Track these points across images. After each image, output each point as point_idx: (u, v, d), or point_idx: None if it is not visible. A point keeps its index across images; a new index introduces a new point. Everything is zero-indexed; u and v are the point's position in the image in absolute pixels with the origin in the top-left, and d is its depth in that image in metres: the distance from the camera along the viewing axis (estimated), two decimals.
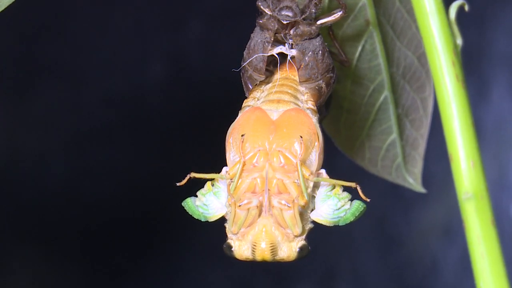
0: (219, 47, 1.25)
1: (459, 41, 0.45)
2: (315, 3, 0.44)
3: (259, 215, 0.41)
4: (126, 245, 1.27)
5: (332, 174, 0.43)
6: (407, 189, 0.60)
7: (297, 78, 0.44)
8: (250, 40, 0.44)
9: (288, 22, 0.43)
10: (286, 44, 0.44)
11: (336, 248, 1.32)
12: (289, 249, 0.41)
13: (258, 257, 0.40)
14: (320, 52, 0.44)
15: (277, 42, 0.44)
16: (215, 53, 1.26)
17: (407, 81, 0.55)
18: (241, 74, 0.45)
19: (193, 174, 0.42)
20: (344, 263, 1.34)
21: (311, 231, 0.42)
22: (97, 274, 1.28)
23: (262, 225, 0.40)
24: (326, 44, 0.44)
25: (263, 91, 0.45)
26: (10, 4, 0.42)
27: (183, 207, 0.43)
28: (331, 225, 0.42)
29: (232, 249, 0.41)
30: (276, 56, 0.44)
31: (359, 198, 0.42)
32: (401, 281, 1.35)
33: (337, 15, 0.45)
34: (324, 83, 0.44)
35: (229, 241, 0.41)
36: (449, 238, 1.34)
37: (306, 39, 0.44)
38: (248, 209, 0.40)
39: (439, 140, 0.49)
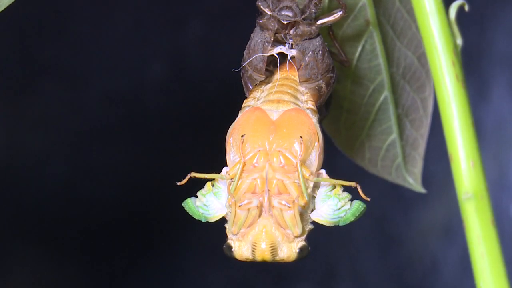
0: (219, 47, 1.25)
1: (459, 41, 0.45)
2: (315, 3, 0.44)
3: (259, 215, 0.41)
4: (126, 245, 1.27)
5: (332, 174, 0.42)
6: (407, 189, 0.60)
7: (297, 78, 0.44)
8: (250, 40, 0.44)
9: (288, 22, 0.43)
10: (286, 44, 0.44)
11: (336, 248, 1.32)
12: (289, 249, 0.41)
13: (258, 257, 0.40)
14: (320, 52, 0.44)
15: (277, 42, 0.44)
16: (215, 53, 1.26)
17: (407, 81, 0.55)
18: (241, 74, 0.45)
19: (193, 174, 0.42)
20: (344, 263, 1.34)
21: (311, 231, 0.42)
22: (97, 274, 1.28)
23: (262, 225, 0.40)
24: (326, 44, 0.44)
25: (263, 91, 0.45)
26: (10, 4, 0.42)
27: (183, 207, 0.43)
28: (331, 225, 0.42)
29: (232, 249, 0.41)
30: (276, 56, 0.44)
31: (359, 198, 0.42)
32: (401, 281, 1.35)
33: (337, 15, 0.45)
34: (324, 83, 0.44)
35: (229, 241, 0.41)
36: (449, 238, 1.34)
37: (306, 39, 0.44)
38: (249, 209, 0.40)
39: (439, 140, 0.49)
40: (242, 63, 0.45)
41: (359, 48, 0.52)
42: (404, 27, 0.53)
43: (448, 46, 0.44)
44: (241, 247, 0.41)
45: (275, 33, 0.44)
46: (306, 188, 0.41)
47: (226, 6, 1.26)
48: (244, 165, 0.41)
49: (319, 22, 0.44)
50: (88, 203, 1.24)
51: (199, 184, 0.43)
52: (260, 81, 0.45)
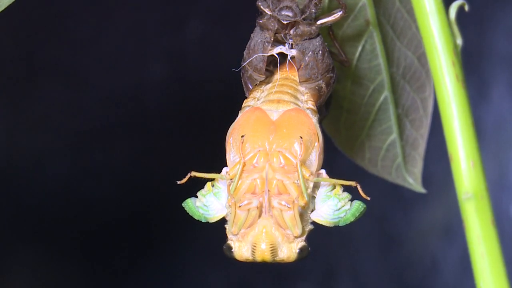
0: (219, 47, 1.25)
1: (459, 41, 0.45)
2: (315, 3, 0.44)
3: (259, 216, 0.41)
4: (126, 245, 1.27)
5: (332, 174, 0.42)
6: (407, 189, 0.60)
7: (297, 78, 0.44)
8: (250, 40, 0.44)
9: (288, 22, 0.43)
10: (286, 44, 0.44)
11: (336, 248, 1.32)
12: (289, 250, 0.41)
13: (258, 258, 0.40)
14: (320, 52, 0.44)
15: (277, 42, 0.44)
16: (215, 53, 1.26)
17: (407, 81, 0.55)
18: (241, 74, 0.45)
19: (193, 173, 0.42)
20: (344, 263, 1.34)
21: (311, 232, 0.42)
22: (97, 274, 1.27)
23: (262, 226, 0.40)
24: (326, 44, 0.44)
25: (263, 91, 0.45)
26: (10, 4, 0.42)
27: (183, 207, 0.43)
28: (331, 225, 0.42)
29: (232, 250, 0.41)
30: (276, 56, 0.44)
31: (359, 198, 0.42)
32: (401, 281, 1.35)
33: (337, 15, 0.45)
34: (324, 83, 0.44)
35: (229, 242, 0.41)
36: (449, 238, 1.34)
37: (306, 39, 0.44)
38: (248, 209, 0.40)
39: (439, 140, 0.49)
40: (242, 63, 0.45)
41: (359, 48, 0.52)
42: (404, 27, 0.53)
43: (448, 46, 0.44)
44: (241, 248, 0.41)
45: (275, 33, 0.44)
46: (306, 189, 0.41)
47: (226, 6, 1.26)
48: (244, 165, 0.41)
49: (319, 22, 0.44)
50: (88, 203, 1.24)
51: (199, 184, 0.43)
52: (260, 81, 0.45)
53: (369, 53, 0.52)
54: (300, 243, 0.41)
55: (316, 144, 0.42)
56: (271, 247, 0.40)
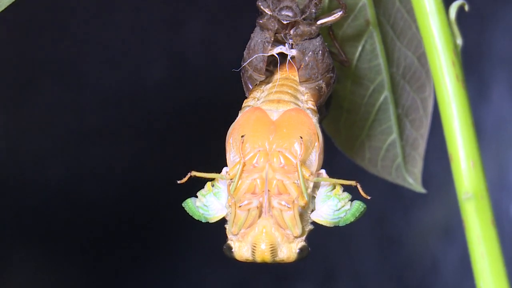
0: (219, 47, 1.25)
1: (459, 41, 0.45)
2: (315, 3, 0.44)
3: (259, 216, 0.41)
4: (126, 245, 1.27)
5: (332, 174, 0.42)
6: (407, 189, 0.60)
7: (297, 78, 0.44)
8: (250, 40, 0.44)
9: (288, 22, 0.43)
10: (286, 44, 0.44)
11: (336, 248, 1.32)
12: (289, 250, 0.41)
13: (258, 258, 0.40)
14: (320, 52, 0.44)
15: (277, 42, 0.44)
16: (215, 53, 1.26)
17: (407, 81, 0.55)
18: (241, 74, 0.45)
19: (193, 173, 0.42)
20: (344, 263, 1.34)
21: (311, 232, 0.42)
22: (97, 274, 1.27)
23: (262, 226, 0.40)
24: (326, 44, 0.44)
25: (263, 91, 0.45)
26: (10, 4, 0.42)
27: (183, 207, 0.43)
28: (331, 225, 0.42)
29: (232, 250, 0.41)
30: (276, 56, 0.44)
31: (359, 198, 0.42)
32: (401, 281, 1.35)
33: (337, 15, 0.45)
34: (324, 83, 0.44)
35: (229, 242, 0.41)
36: (449, 238, 1.34)
37: (306, 39, 0.44)
38: (248, 210, 0.40)
39: (439, 140, 0.49)
40: (242, 63, 0.45)
41: (359, 48, 0.52)
42: (404, 27, 0.53)
43: (448, 46, 0.44)
44: (241, 248, 0.41)
45: (275, 33, 0.44)
46: (306, 189, 0.41)
47: (226, 6, 1.26)
48: (244, 165, 0.41)
49: (319, 22, 0.44)
50: (88, 203, 1.24)
51: (199, 184, 0.43)
52: (260, 81, 0.45)
53: (369, 53, 0.52)
54: (300, 243, 0.41)
55: (316, 144, 0.42)
56: (271, 247, 0.40)
